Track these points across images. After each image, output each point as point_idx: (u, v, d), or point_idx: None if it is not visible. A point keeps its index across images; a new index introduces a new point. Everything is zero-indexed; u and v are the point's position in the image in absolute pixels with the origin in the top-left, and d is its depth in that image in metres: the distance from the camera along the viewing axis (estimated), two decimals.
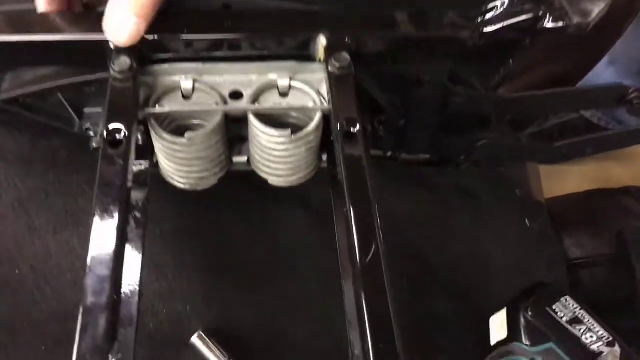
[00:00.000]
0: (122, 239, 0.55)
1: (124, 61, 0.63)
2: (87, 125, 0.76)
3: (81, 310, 0.50)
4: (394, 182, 0.84)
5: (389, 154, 0.80)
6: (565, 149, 0.83)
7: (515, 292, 0.77)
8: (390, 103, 0.74)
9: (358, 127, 0.61)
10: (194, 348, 0.73)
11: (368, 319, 0.51)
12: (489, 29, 0.68)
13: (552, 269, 0.86)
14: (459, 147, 0.81)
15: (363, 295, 0.52)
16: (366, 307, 0.51)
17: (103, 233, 0.54)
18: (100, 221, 0.55)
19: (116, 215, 0.55)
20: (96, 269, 0.52)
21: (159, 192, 0.73)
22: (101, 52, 0.65)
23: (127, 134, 0.59)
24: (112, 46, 0.64)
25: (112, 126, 0.59)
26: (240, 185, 0.77)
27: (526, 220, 0.89)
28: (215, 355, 0.72)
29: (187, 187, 0.70)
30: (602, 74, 0.96)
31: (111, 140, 0.59)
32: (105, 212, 0.55)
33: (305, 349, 0.75)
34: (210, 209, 0.80)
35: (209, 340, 0.72)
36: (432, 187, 0.87)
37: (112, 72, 0.63)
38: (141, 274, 0.62)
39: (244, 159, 0.72)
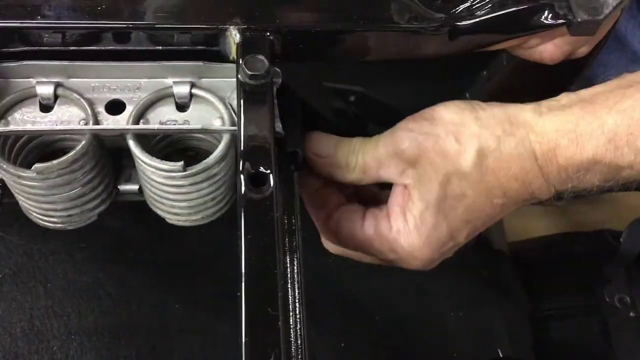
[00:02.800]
0: None
1: None
2: None
3: None
4: None
5: None
6: None
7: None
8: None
9: (271, 169, 0.43)
10: None
11: None
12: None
13: (513, 326, 0.73)
14: None
15: None
16: None
17: None
18: None
19: None
20: None
21: (35, 234, 0.58)
22: None
23: None
24: None
25: None
26: (147, 224, 0.63)
27: (484, 273, 0.75)
28: None
29: (51, 226, 0.52)
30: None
31: None
32: None
33: None
34: (107, 257, 0.65)
35: None
36: None
37: None
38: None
39: (134, 187, 0.54)
